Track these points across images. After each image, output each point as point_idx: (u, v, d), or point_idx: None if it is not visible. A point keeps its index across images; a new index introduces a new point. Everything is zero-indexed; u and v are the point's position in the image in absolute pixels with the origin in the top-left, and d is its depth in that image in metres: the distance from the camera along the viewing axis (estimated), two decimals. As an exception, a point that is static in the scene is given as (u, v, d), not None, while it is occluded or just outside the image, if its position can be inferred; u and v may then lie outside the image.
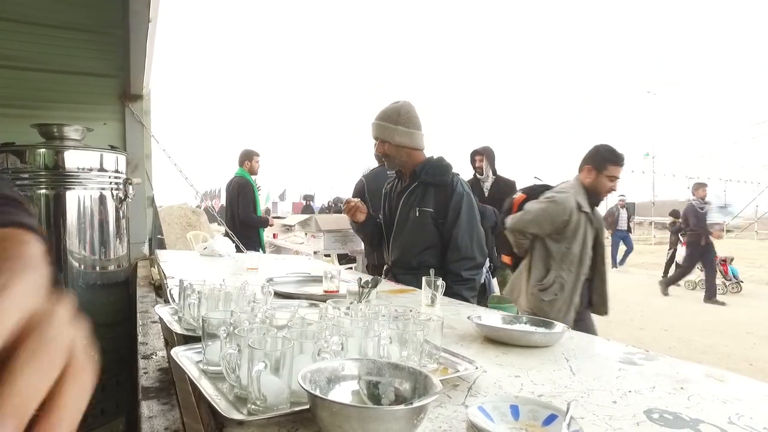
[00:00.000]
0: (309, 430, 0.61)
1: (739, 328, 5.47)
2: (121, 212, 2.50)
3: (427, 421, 0.64)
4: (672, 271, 8.92)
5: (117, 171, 2.48)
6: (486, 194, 4.25)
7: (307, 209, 12.52)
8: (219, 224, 4.62)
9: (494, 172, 4.34)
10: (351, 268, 4.56)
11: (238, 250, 2.89)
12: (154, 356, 1.22)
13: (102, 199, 2.38)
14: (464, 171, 4.00)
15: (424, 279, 1.35)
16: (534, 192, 2.60)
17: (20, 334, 0.23)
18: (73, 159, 2.28)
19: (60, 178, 2.24)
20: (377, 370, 0.66)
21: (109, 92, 3.15)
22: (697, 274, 8.12)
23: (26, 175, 2.18)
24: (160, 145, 3.32)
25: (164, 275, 1.88)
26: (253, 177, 4.83)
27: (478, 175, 4.35)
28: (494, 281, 3.71)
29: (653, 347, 1.20)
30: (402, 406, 0.59)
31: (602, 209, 3.54)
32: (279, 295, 1.43)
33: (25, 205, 0.41)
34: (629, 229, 11.57)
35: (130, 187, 2.50)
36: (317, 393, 0.58)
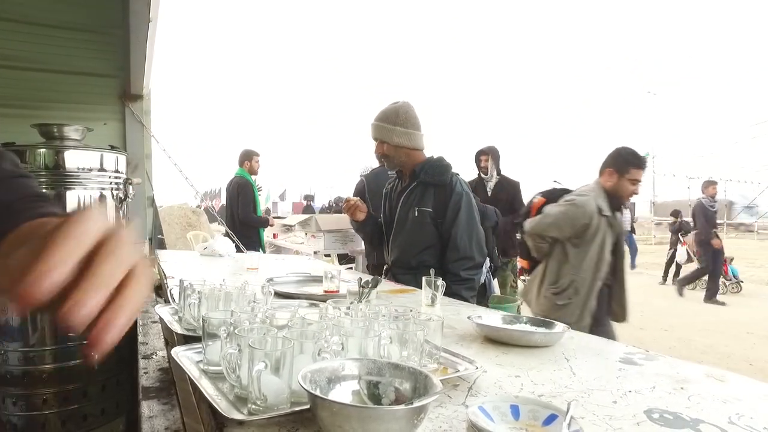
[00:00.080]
0: (309, 430, 0.61)
1: (739, 328, 5.47)
2: (121, 212, 2.50)
3: (428, 421, 0.64)
4: (671, 271, 8.93)
5: (117, 171, 2.47)
6: (489, 194, 4.26)
7: (308, 209, 12.52)
8: (219, 224, 4.62)
9: (498, 172, 4.34)
10: (351, 268, 4.56)
11: (238, 250, 2.90)
12: (154, 356, 1.22)
13: (102, 199, 2.38)
14: (465, 171, 4.00)
15: (424, 279, 1.35)
16: (553, 196, 2.55)
17: (99, 241, 0.34)
18: (73, 159, 2.28)
19: (60, 178, 2.24)
20: (377, 370, 0.66)
21: (109, 92, 3.16)
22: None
23: (26, 175, 2.18)
24: (160, 145, 3.32)
25: (164, 275, 1.88)
26: (253, 177, 4.83)
27: (482, 175, 4.36)
28: (495, 281, 3.71)
29: (653, 347, 1.20)
30: (402, 406, 0.59)
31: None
32: (279, 295, 1.43)
33: (55, 204, 0.53)
34: (632, 230, 11.57)
35: (130, 187, 2.50)
36: (317, 393, 0.58)
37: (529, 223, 2.51)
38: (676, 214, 9.48)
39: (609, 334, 2.35)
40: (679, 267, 8.85)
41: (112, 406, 2.37)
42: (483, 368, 0.84)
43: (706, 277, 7.40)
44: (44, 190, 0.53)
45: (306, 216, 5.19)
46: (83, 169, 2.31)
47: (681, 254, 8.75)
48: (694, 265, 8.50)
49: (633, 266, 10.91)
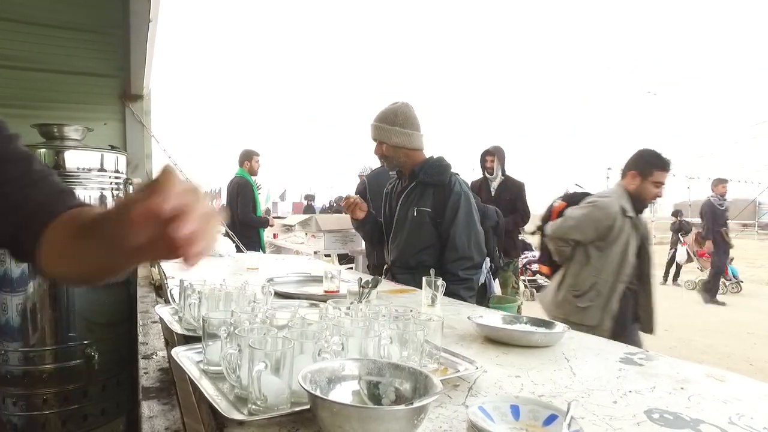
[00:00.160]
0: (309, 430, 0.61)
1: (739, 328, 5.47)
2: (121, 212, 2.50)
3: (428, 421, 0.64)
4: (672, 271, 8.93)
5: (117, 171, 2.48)
6: (492, 194, 4.26)
7: (308, 209, 12.52)
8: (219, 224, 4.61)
9: (503, 173, 4.35)
10: (351, 268, 4.56)
11: (239, 250, 2.90)
12: (154, 356, 1.22)
13: (102, 200, 2.38)
14: (465, 171, 4.01)
15: (424, 279, 1.35)
16: (574, 199, 2.50)
17: (185, 197, 0.43)
18: (73, 159, 2.29)
19: (60, 178, 2.24)
20: (378, 370, 0.66)
21: (110, 92, 3.16)
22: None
23: (26, 175, 2.18)
24: (160, 145, 3.32)
25: (164, 275, 1.88)
26: (253, 177, 4.83)
27: (487, 175, 4.36)
28: (496, 281, 3.71)
29: (653, 347, 1.20)
30: (402, 406, 0.59)
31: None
32: (279, 295, 1.43)
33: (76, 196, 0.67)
34: None
35: (131, 187, 2.50)
36: (318, 393, 0.58)
37: (550, 227, 2.46)
38: (676, 213, 9.47)
39: (631, 341, 2.20)
40: (679, 267, 8.85)
41: (112, 406, 2.37)
42: (483, 368, 0.84)
43: (705, 278, 7.40)
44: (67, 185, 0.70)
45: (306, 216, 5.19)
46: (83, 169, 2.31)
47: (681, 254, 8.74)
48: (694, 265, 8.50)
49: None
